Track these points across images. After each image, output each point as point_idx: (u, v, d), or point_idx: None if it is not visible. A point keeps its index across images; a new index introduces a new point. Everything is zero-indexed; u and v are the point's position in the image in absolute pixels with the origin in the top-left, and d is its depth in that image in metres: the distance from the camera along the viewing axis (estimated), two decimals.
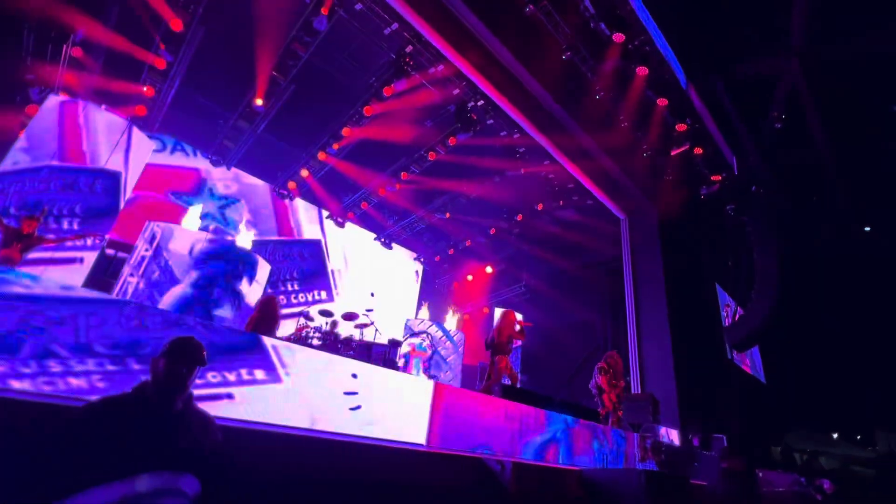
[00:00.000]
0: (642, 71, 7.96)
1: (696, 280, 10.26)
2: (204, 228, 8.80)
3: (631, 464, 6.11)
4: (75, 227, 6.29)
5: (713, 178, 10.07)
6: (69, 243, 6.09)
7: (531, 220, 12.37)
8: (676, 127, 8.96)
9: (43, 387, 2.20)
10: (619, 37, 7.53)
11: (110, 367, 2.53)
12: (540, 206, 11.82)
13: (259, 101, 8.67)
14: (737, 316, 11.78)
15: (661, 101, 8.52)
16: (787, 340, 12.16)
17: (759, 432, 10.92)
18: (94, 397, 1.74)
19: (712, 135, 9.49)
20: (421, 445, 3.94)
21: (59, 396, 2.00)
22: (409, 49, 7.98)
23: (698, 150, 9.37)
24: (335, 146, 9.87)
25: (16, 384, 2.13)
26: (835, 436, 14.02)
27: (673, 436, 7.79)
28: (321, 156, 10.20)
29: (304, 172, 10.93)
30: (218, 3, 7.40)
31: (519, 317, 7.32)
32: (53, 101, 7.29)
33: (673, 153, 9.34)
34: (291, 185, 11.53)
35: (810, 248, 10.95)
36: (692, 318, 9.41)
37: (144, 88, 8.53)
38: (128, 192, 7.67)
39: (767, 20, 8.05)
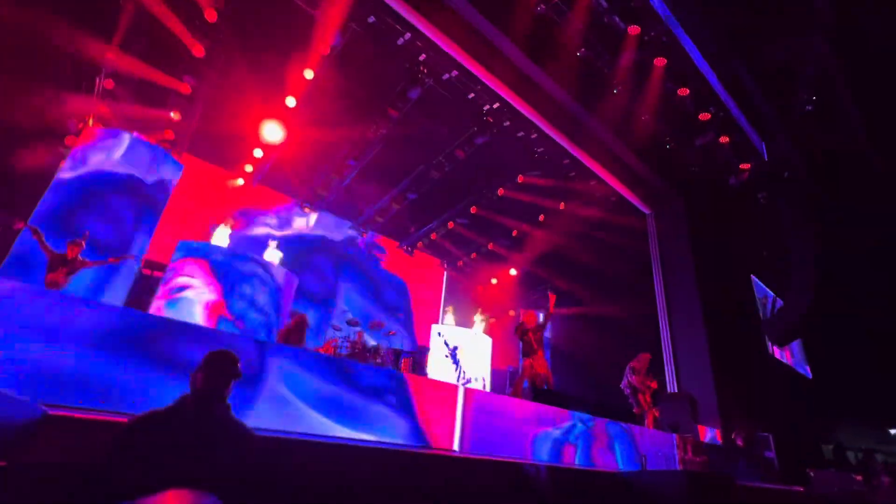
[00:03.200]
0: (660, 62, 7.79)
1: (730, 272, 9.90)
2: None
3: (671, 465, 5.91)
4: (114, 249, 6.58)
5: (742, 166, 9.70)
6: (109, 266, 6.38)
7: (553, 220, 12.22)
8: (699, 116, 8.71)
9: None
10: (634, 29, 7.39)
11: None
12: (562, 206, 11.67)
13: (291, 100, 8.77)
14: (775, 308, 11.28)
15: (682, 91, 8.30)
16: (833, 332, 11.54)
17: (807, 430, 10.38)
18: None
19: (738, 122, 9.17)
20: (453, 451, 3.92)
21: (114, 412, 2.09)
22: (422, 57, 8.06)
23: (724, 139, 9.06)
24: (356, 157, 10.02)
25: None
26: (893, 432, 13.18)
27: (714, 435, 7.50)
28: (342, 169, 10.38)
29: (324, 191, 11.17)
30: (237, 27, 7.66)
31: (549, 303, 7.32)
32: (89, 131, 7.70)
33: (697, 143, 9.07)
34: (313, 197, 11.77)
35: (850, 233, 10.40)
36: (727, 312, 9.08)
37: (171, 113, 8.90)
38: (160, 215, 7.99)
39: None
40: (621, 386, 7.48)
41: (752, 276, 10.81)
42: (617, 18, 7.41)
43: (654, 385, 7.07)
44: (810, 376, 12.59)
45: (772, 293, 11.59)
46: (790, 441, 8.08)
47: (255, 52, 8.19)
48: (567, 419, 5.06)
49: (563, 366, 12.93)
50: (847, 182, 9.87)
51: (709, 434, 7.42)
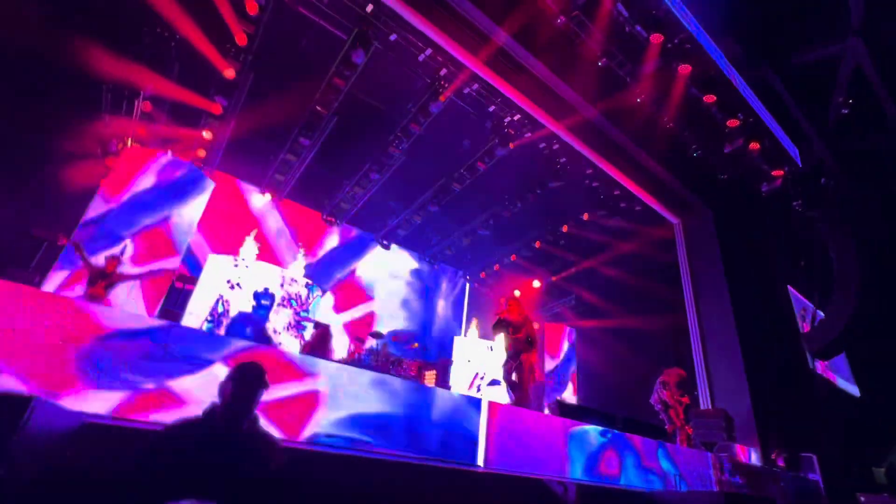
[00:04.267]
0: (685, 69, 7.67)
1: (765, 284, 9.49)
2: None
3: (707, 486, 5.63)
4: (150, 263, 6.86)
5: (774, 172, 9.37)
6: (144, 279, 6.64)
7: (577, 231, 12.04)
8: (728, 123, 8.49)
9: None
10: (656, 37, 7.32)
11: None
12: (585, 216, 11.51)
13: (304, 134, 9.16)
14: (815, 321, 10.72)
15: (708, 98, 8.13)
16: (882, 346, 10.85)
17: (856, 452, 9.73)
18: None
19: (769, 128, 8.88)
20: (478, 466, 3.85)
21: (143, 421, 2.15)
22: (443, 72, 8.18)
23: (754, 145, 8.79)
24: (380, 171, 10.20)
25: None
26: None
27: (752, 455, 7.12)
28: (366, 182, 10.58)
29: (349, 200, 11.35)
30: (265, 49, 7.96)
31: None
32: (128, 151, 8.11)
33: (726, 150, 8.82)
34: (337, 211, 12.00)
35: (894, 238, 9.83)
36: (763, 325, 8.68)
37: (204, 133, 9.29)
38: (192, 231, 8.30)
39: (820, 2, 7.54)
40: (651, 401, 7.22)
41: (790, 288, 10.33)
42: (639, 28, 7.36)
43: (686, 400, 6.79)
44: (858, 394, 11.84)
45: (812, 305, 11.03)
46: (837, 463, 7.59)
47: (282, 72, 8.49)
48: (596, 435, 4.91)
49: (591, 380, 12.61)
50: (888, 186, 9.39)
51: (747, 453, 7.05)
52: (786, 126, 9.08)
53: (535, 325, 5.91)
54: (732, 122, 8.43)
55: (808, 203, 9.33)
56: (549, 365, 12.76)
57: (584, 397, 12.59)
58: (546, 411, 5.94)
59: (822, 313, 10.73)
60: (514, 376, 5.54)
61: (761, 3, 7.48)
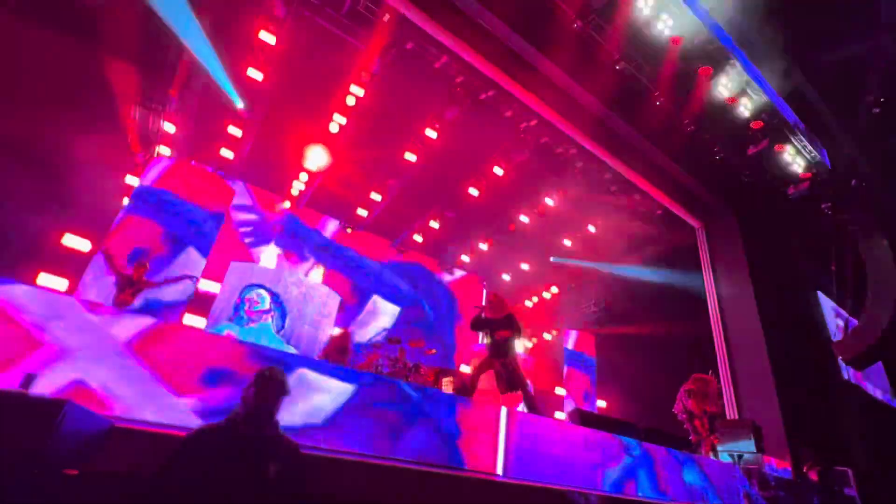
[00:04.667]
0: (706, 71, 7.53)
1: (793, 289, 9.17)
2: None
3: (735, 500, 5.43)
4: (174, 271, 7.05)
5: (801, 175, 9.08)
6: (169, 285, 6.83)
7: (596, 236, 11.89)
8: (751, 125, 8.28)
9: None
10: (676, 39, 7.21)
11: None
12: (603, 221, 11.37)
13: (324, 149, 9.31)
14: (848, 328, 10.29)
15: (731, 100, 7.96)
16: None
17: (894, 465, 9.27)
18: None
19: (795, 129, 8.63)
20: (497, 475, 3.80)
21: (170, 425, 2.19)
22: (459, 79, 8.22)
23: (780, 147, 8.55)
24: (395, 179, 10.29)
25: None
26: None
27: (783, 468, 6.84)
28: (383, 189, 10.68)
29: (364, 212, 11.50)
30: (286, 60, 8.14)
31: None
32: (155, 161, 8.37)
33: (750, 152, 8.59)
34: (355, 220, 12.14)
35: None
36: (792, 332, 8.38)
37: (226, 143, 9.54)
38: (216, 236, 8.49)
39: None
40: (675, 410, 7.01)
41: (819, 293, 9.95)
42: (658, 29, 7.26)
43: (711, 409, 6.57)
44: (895, 405, 11.29)
45: (844, 311, 10.60)
46: (875, 478, 7.23)
47: (302, 81, 8.66)
48: (617, 445, 4.79)
49: (611, 388, 12.36)
50: None
51: (777, 466, 6.78)
52: (813, 127, 8.80)
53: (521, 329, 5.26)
54: (757, 124, 8.22)
55: (838, 206, 8.99)
56: (569, 373, 12.56)
57: (605, 406, 12.35)
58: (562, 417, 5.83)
59: (855, 320, 10.30)
60: (504, 377, 4.98)
61: (785, 1, 7.30)
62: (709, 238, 9.69)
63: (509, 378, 4.91)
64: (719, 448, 6.31)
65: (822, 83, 8.17)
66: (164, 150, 9.27)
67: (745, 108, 8.10)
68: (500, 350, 4.95)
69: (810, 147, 8.87)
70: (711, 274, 9.35)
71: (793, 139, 8.57)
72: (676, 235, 10.60)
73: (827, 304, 10.10)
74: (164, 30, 7.22)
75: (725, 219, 9.45)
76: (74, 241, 8.39)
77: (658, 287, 11.36)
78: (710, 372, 7.16)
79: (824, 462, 6.50)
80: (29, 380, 1.43)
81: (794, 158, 8.82)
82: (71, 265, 7.69)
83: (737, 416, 7.83)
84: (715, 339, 8.76)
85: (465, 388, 4.98)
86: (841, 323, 10.34)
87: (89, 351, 2.34)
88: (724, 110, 8.12)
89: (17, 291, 2.28)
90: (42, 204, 7.94)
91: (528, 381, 5.18)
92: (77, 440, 1.38)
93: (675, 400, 7.07)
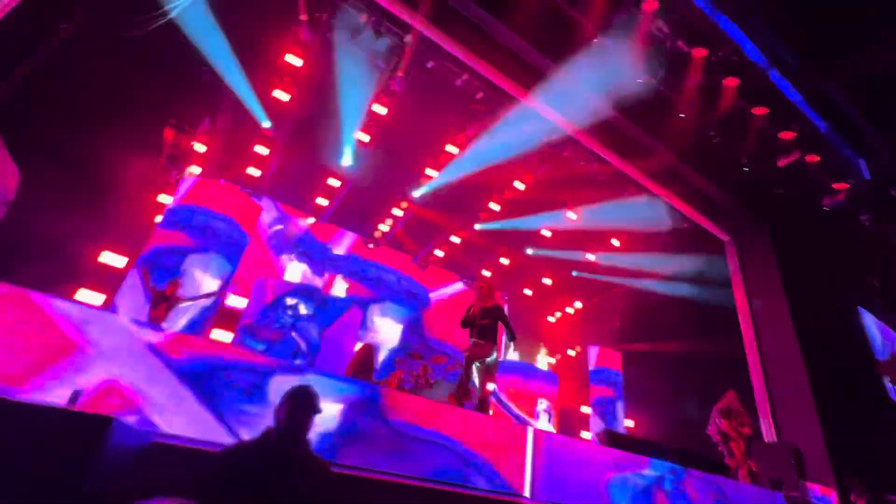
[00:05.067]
0: (731, 82, 7.39)
1: (832, 304, 8.75)
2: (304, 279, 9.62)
3: None
4: (205, 286, 7.26)
5: (836, 186, 8.74)
6: (200, 301, 7.02)
7: (619, 250, 11.69)
8: (781, 135, 8.05)
9: None
10: (699, 52, 7.13)
11: None
12: (625, 234, 11.18)
13: (347, 161, 9.55)
14: (895, 346, 9.72)
15: (759, 110, 7.77)
16: None
17: None
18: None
19: (828, 139, 8.35)
20: (524, 497, 3.70)
21: (208, 441, 2.23)
22: (480, 96, 8.32)
23: (813, 157, 8.26)
24: (417, 194, 10.40)
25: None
26: None
27: (827, 496, 6.43)
28: (404, 205, 10.80)
29: (387, 225, 11.62)
30: (310, 81, 8.41)
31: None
32: (186, 181, 8.71)
33: (781, 164, 8.34)
34: (378, 233, 12.27)
35: None
36: (833, 350, 7.97)
37: (254, 162, 9.86)
38: (243, 251, 8.73)
39: (880, 3, 7.10)
40: (708, 432, 6.72)
41: (861, 309, 9.46)
42: (680, 43, 7.21)
43: (747, 431, 6.27)
44: None
45: (890, 329, 10.03)
46: None
47: (325, 101, 8.92)
48: (647, 468, 4.61)
49: (639, 407, 11.96)
50: None
51: (821, 494, 6.39)
52: (848, 136, 8.50)
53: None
54: (787, 134, 7.99)
55: (878, 217, 8.59)
56: (596, 391, 12.24)
57: (634, 427, 11.94)
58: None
59: None
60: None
61: (815, 8, 7.12)
62: (739, 252, 9.39)
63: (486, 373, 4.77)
64: (758, 473, 6.01)
65: (855, 91, 7.90)
66: (194, 170, 9.63)
67: (774, 119, 7.89)
68: (481, 340, 4.81)
69: (845, 156, 8.55)
70: (743, 288, 9.02)
71: (826, 149, 8.28)
72: (704, 249, 10.32)
73: (870, 320, 9.59)
74: (197, 56, 7.59)
75: (756, 232, 9.16)
76: (111, 258, 8.74)
77: (686, 302, 11.03)
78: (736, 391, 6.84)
79: (874, 491, 6.10)
80: (76, 396, 1.48)
81: (829, 169, 8.51)
82: (108, 281, 8.00)
83: (775, 440, 7.44)
84: (748, 357, 8.41)
85: (465, 391, 4.80)
86: (887, 341, 9.78)
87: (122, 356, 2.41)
88: (752, 121, 7.94)
89: (60, 306, 2.38)
90: (82, 222, 8.33)
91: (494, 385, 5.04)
92: (121, 455, 1.41)
93: (707, 421, 6.79)
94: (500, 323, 5.07)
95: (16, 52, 6.27)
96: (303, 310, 8.31)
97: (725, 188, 8.78)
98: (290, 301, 8.32)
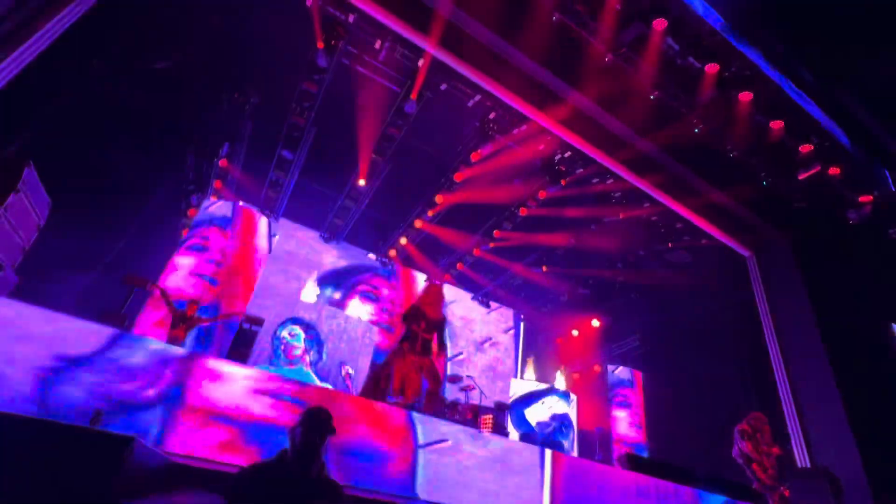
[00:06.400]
0: (746, 96, 7.36)
1: (862, 321, 8.41)
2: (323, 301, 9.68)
3: None
4: (224, 307, 7.38)
5: (861, 198, 8.52)
6: (219, 321, 7.13)
7: (637, 267, 11.52)
8: (800, 149, 7.94)
9: None
10: (712, 67, 7.14)
11: None
12: (642, 252, 11.03)
13: (362, 182, 9.72)
14: None
15: (776, 124, 7.69)
16: None
17: None
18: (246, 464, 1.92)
19: (849, 150, 8.19)
20: None
21: (222, 463, 2.23)
22: (492, 116, 8.44)
23: (834, 170, 8.10)
24: (430, 213, 10.48)
25: None
26: None
27: None
28: (417, 223, 10.88)
29: (403, 240, 11.69)
30: (326, 104, 8.65)
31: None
32: (207, 204, 8.96)
33: (801, 177, 8.19)
34: (392, 252, 12.35)
35: None
36: (867, 369, 7.62)
37: (270, 184, 10.11)
38: (259, 272, 8.87)
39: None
40: (733, 454, 6.44)
41: (894, 325, 9.06)
42: (692, 59, 7.23)
43: (776, 451, 5.98)
44: None
45: None
46: None
47: (341, 123, 9.16)
48: (672, 493, 4.43)
49: (661, 430, 11.57)
50: None
51: None
52: (870, 147, 8.32)
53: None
54: (805, 148, 7.87)
55: None
56: (613, 412, 11.90)
57: (655, 449, 11.53)
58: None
59: None
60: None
61: (826, 18, 7.09)
62: (761, 268, 9.16)
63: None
64: (791, 500, 5.70)
65: (877, 101, 7.77)
66: (215, 193, 9.92)
67: (792, 133, 7.80)
68: (421, 356, 4.60)
69: (868, 168, 8.35)
70: (766, 304, 8.76)
71: (847, 161, 8.11)
72: (723, 265, 10.10)
73: None
74: (218, 83, 7.92)
75: (779, 247, 8.94)
76: (134, 278, 8.97)
77: (708, 319, 10.75)
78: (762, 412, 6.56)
79: None
80: (98, 416, 1.51)
81: (851, 181, 8.31)
82: (132, 301, 8.21)
83: (808, 464, 7.09)
84: (776, 376, 8.10)
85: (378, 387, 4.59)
86: None
87: None
88: (769, 135, 7.85)
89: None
90: (108, 244, 8.62)
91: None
92: (140, 475, 1.43)
93: (732, 443, 6.52)
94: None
95: (50, 87, 6.63)
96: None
97: (745, 203, 8.64)
98: (294, 329, 8.38)
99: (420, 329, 4.77)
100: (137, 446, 1.34)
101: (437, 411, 4.63)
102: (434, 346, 4.79)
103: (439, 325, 4.89)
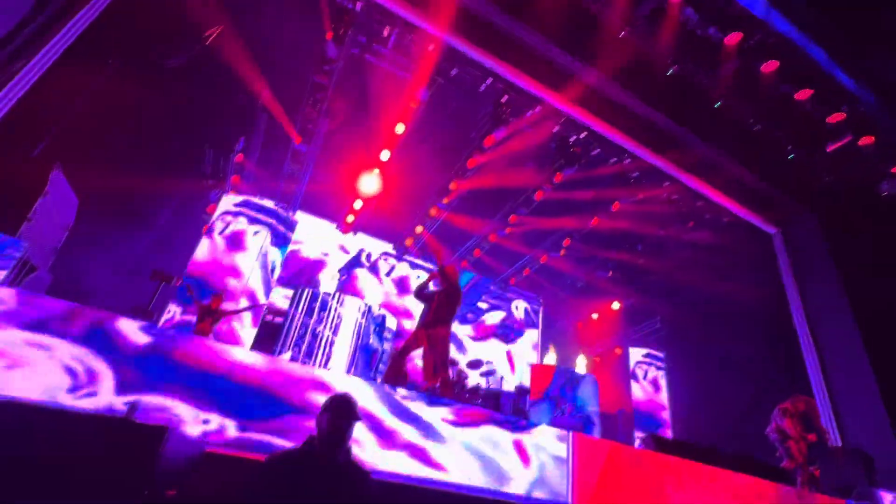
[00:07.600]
0: (771, 66, 7.04)
1: (894, 296, 8.10)
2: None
3: None
4: (247, 299, 7.55)
5: (893, 170, 8.13)
6: (244, 314, 7.30)
7: (658, 249, 11.29)
8: (829, 119, 7.59)
9: None
10: (733, 37, 6.84)
11: None
12: (664, 232, 10.78)
13: (376, 176, 9.70)
14: None
15: (803, 94, 7.35)
16: None
17: None
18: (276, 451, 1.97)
19: (881, 120, 7.79)
20: None
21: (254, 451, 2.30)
22: (504, 99, 8.29)
23: (867, 140, 7.73)
24: (445, 200, 10.43)
25: None
26: None
27: None
28: (433, 211, 10.86)
29: (419, 228, 11.69)
30: (339, 96, 8.63)
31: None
32: (225, 199, 9.12)
33: (829, 149, 7.85)
34: (408, 241, 12.38)
35: None
36: None
37: (285, 178, 10.20)
38: (280, 265, 9.02)
39: None
40: (766, 431, 6.32)
41: None
42: (712, 30, 6.94)
43: (812, 438, 5.86)
44: None
45: None
46: None
47: (354, 113, 9.14)
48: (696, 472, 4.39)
49: (688, 412, 11.46)
50: None
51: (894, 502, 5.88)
52: None
53: None
54: (836, 117, 7.51)
55: None
56: (635, 393, 11.83)
57: (679, 431, 11.45)
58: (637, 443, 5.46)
59: None
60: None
61: None
62: (787, 244, 8.88)
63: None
64: (822, 480, 5.60)
65: None
66: (233, 187, 10.07)
67: (821, 102, 7.45)
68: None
69: None
70: (794, 284, 8.51)
71: (880, 130, 7.72)
72: (748, 242, 9.81)
73: None
74: (234, 80, 7.97)
75: (806, 223, 8.64)
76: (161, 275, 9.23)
77: (732, 299, 10.50)
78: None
79: None
80: (133, 408, 1.58)
81: (884, 151, 7.93)
82: (158, 298, 8.47)
83: (840, 444, 6.94)
84: (806, 357, 7.90)
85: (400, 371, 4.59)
86: None
87: None
88: (796, 106, 7.52)
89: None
90: (132, 241, 8.87)
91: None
92: (176, 463, 1.49)
93: (758, 424, 6.41)
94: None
95: (72, 88, 6.77)
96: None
97: (770, 179, 8.34)
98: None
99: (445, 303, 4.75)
100: (174, 435, 1.39)
101: (454, 397, 4.62)
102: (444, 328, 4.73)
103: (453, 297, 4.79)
